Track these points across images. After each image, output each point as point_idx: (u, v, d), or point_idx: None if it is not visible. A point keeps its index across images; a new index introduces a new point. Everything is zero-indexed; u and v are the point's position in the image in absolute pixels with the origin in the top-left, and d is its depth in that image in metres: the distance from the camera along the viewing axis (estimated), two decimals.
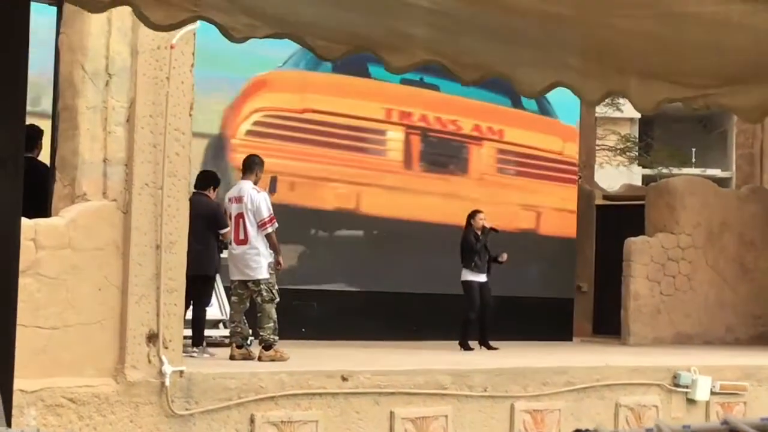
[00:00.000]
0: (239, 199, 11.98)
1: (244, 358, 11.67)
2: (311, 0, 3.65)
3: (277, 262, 12.09)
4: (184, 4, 3.57)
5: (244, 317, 12.02)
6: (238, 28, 3.66)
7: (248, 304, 11.99)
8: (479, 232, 15.57)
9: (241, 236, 11.92)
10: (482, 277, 15.53)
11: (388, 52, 3.80)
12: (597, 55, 4.07)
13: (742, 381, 14.11)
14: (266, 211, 11.92)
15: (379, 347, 14.46)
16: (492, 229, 15.68)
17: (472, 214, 15.74)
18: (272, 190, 12.24)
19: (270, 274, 11.91)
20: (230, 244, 12.10)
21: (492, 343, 15.49)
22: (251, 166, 12.19)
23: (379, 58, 3.83)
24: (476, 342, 15.46)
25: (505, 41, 3.93)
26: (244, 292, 11.97)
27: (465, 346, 15.27)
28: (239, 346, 11.86)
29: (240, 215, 11.94)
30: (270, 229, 11.92)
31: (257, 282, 11.82)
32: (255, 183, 12.10)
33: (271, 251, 12.00)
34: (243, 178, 12.22)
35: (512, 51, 3.99)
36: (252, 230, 11.86)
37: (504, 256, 15.88)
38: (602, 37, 4.00)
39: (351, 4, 3.71)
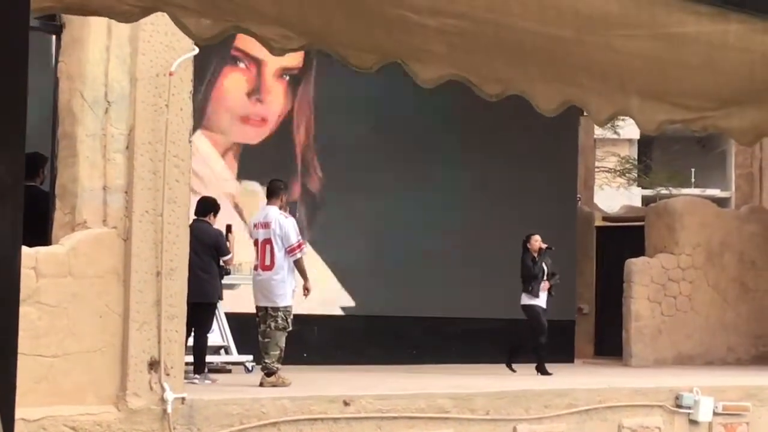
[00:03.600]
0: (266, 225, 11.88)
1: (273, 386, 11.54)
2: (339, 14, 3.70)
3: (305, 288, 12.02)
4: (221, 15, 3.62)
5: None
6: (274, 39, 3.71)
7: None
8: (536, 255, 15.56)
9: (267, 262, 11.84)
10: (541, 301, 15.52)
11: (416, 64, 3.87)
12: (600, 75, 4.11)
13: (745, 401, 14.08)
14: (295, 237, 11.84)
15: (380, 371, 14.44)
16: (548, 248, 15.71)
17: (527, 238, 15.75)
18: (292, 214, 12.16)
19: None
20: (253, 269, 12.05)
21: (498, 366, 15.47)
22: (276, 191, 12.12)
23: (408, 69, 3.89)
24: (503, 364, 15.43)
25: (517, 58, 3.98)
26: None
27: (542, 371, 15.20)
28: (268, 374, 11.76)
29: (267, 241, 11.84)
30: (299, 255, 11.86)
31: (276, 308, 11.76)
32: (280, 208, 12.04)
33: (298, 277, 11.94)
34: (268, 203, 12.11)
35: (525, 68, 4.04)
36: (279, 256, 11.79)
37: (557, 279, 15.94)
38: (603, 58, 4.03)
39: (374, 21, 3.76)
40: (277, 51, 3.79)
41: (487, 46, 3.85)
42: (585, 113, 19.65)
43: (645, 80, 4.07)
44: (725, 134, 4.48)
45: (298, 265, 11.90)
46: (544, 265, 15.60)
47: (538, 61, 3.97)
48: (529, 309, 15.48)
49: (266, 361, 11.68)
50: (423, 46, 3.80)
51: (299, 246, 11.85)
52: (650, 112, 4.18)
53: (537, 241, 15.67)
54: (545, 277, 15.59)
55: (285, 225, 11.82)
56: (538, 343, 15.44)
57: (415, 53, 3.82)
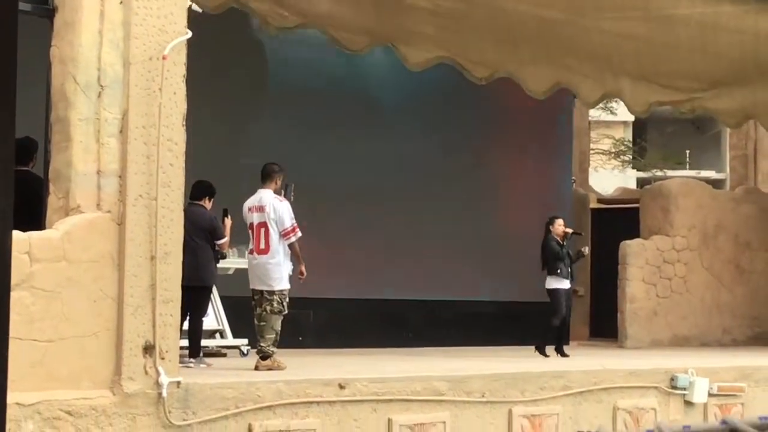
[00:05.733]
0: (261, 209, 11.84)
1: (269, 369, 11.55)
2: None
3: (300, 272, 12.00)
4: None
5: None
6: (272, 16, 3.74)
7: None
8: (560, 239, 15.50)
9: (262, 246, 11.80)
10: (566, 284, 15.50)
11: (405, 47, 3.88)
12: (592, 56, 4.13)
13: (740, 382, 14.11)
14: (289, 221, 11.80)
15: (375, 354, 14.46)
16: (574, 232, 15.69)
17: (551, 221, 15.67)
18: (287, 197, 12.11)
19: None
20: (249, 253, 12.04)
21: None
22: (270, 174, 12.04)
23: (398, 53, 3.90)
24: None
25: (507, 41, 4.00)
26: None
27: (542, 352, 15.24)
28: (264, 358, 11.77)
29: (262, 224, 11.80)
30: (293, 239, 11.81)
31: (272, 292, 11.75)
32: (275, 191, 12.00)
33: (294, 260, 11.92)
34: (262, 186, 12.07)
35: (515, 50, 4.06)
36: (274, 240, 11.77)
37: (586, 249, 16.07)
38: (595, 39, 4.04)
39: (364, 2, 3.77)
40: (273, 29, 3.81)
41: (477, 28, 3.86)
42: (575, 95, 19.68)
43: (636, 62, 4.08)
44: (713, 115, 4.51)
45: (293, 248, 11.88)
46: (569, 251, 15.58)
47: (529, 43, 3.98)
48: (553, 292, 15.42)
49: (261, 344, 11.68)
50: (414, 28, 3.81)
51: (293, 230, 11.83)
52: (640, 94, 4.20)
53: (561, 225, 15.59)
54: (570, 261, 15.57)
55: (279, 209, 11.80)
56: (550, 324, 15.45)
57: (405, 36, 3.84)
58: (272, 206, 11.78)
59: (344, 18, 3.47)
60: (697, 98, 4.10)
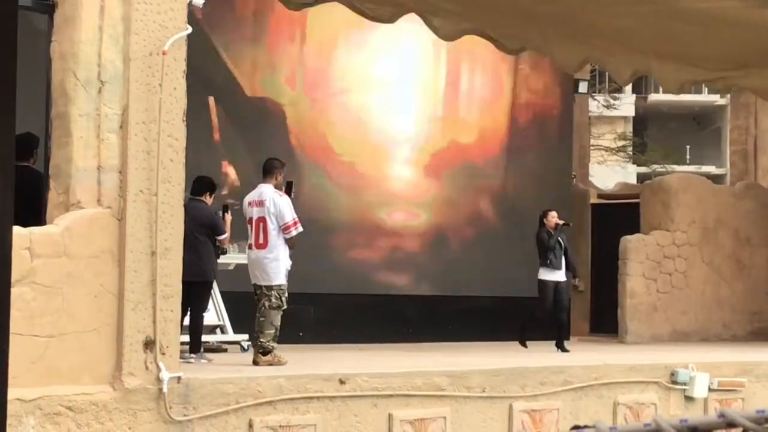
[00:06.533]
0: (260, 203, 11.85)
1: (269, 365, 11.55)
2: None
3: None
4: None
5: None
6: None
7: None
8: (552, 230, 15.61)
9: (261, 240, 11.81)
10: (559, 275, 15.56)
11: (434, 18, 3.84)
12: (614, 38, 4.10)
13: (740, 377, 14.12)
14: (289, 215, 11.80)
15: (375, 350, 14.46)
16: (565, 224, 15.78)
17: (544, 214, 15.82)
18: (288, 194, 12.10)
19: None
20: (248, 248, 12.05)
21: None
22: (271, 169, 12.05)
23: (427, 22, 3.85)
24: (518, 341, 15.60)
25: (531, 19, 3.97)
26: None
27: (522, 344, 15.42)
28: (264, 353, 11.73)
29: (261, 219, 11.81)
30: (294, 232, 11.80)
31: (270, 287, 11.76)
32: (276, 187, 12.00)
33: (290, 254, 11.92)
34: (263, 181, 12.07)
35: (540, 28, 4.02)
36: (273, 234, 11.77)
37: (581, 285, 16.24)
38: (612, 25, 4.03)
39: None
40: (294, 5, 3.73)
41: (499, 6, 3.84)
42: (579, 90, 19.61)
43: (657, 44, 4.06)
44: (750, 93, 4.52)
45: (290, 242, 11.88)
46: (560, 239, 15.65)
47: (552, 24, 3.95)
48: (541, 283, 15.52)
49: (261, 340, 11.66)
50: (437, 3, 3.77)
51: (294, 224, 11.83)
52: (670, 73, 4.17)
53: (554, 218, 15.72)
54: (563, 252, 15.65)
55: (279, 203, 11.80)
56: (531, 315, 15.61)
57: (431, 8, 3.79)
58: (272, 201, 11.79)
59: None
60: (729, 77, 4.08)
